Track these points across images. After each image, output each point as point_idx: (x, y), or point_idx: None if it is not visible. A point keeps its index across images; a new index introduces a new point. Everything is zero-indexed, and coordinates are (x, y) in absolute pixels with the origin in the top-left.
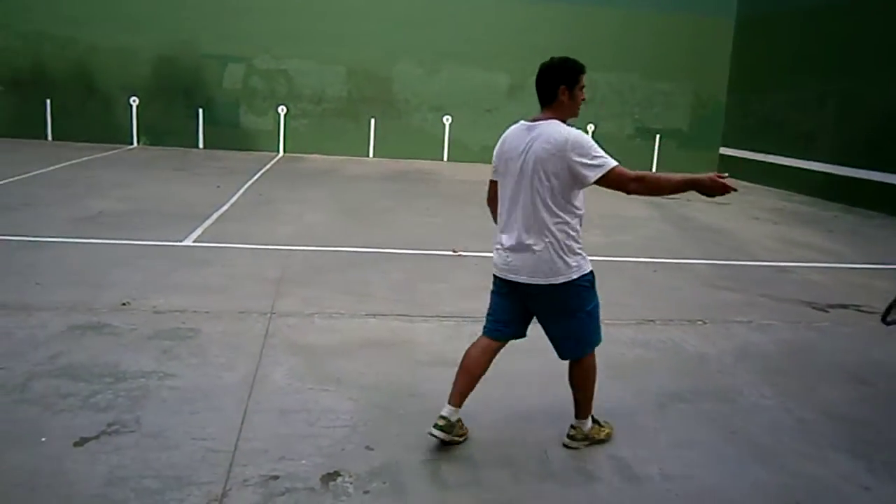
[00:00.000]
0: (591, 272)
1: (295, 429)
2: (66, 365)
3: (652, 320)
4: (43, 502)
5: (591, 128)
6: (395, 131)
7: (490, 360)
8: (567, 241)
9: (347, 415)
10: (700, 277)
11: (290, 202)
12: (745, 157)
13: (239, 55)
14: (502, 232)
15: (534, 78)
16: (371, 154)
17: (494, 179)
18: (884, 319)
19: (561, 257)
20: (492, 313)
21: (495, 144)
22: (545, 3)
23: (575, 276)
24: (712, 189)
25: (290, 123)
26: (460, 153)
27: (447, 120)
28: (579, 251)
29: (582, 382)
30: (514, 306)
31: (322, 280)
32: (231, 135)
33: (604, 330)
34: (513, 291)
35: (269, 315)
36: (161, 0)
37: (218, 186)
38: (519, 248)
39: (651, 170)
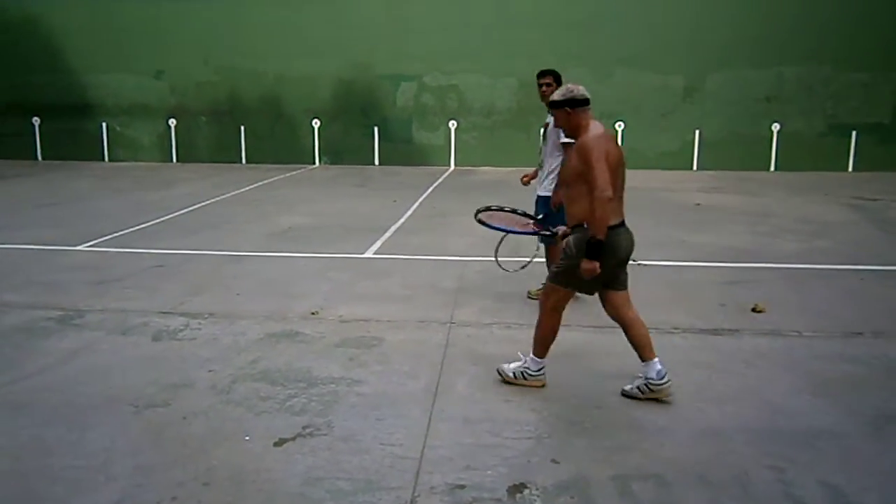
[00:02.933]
0: None
1: (479, 438)
2: (265, 369)
3: (860, 333)
4: (249, 497)
5: (776, 127)
6: None
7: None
8: None
9: (531, 426)
10: None
11: (463, 214)
12: None
13: (411, 74)
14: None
15: (711, 77)
16: None
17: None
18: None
19: None
20: None
21: (672, 150)
22: None
23: None
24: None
25: (460, 137)
26: (635, 160)
27: (620, 126)
28: None
29: None
30: None
31: (498, 290)
32: (405, 151)
33: (805, 343)
34: None
35: (448, 325)
36: (338, 27)
37: (395, 201)
38: None
39: (847, 170)
